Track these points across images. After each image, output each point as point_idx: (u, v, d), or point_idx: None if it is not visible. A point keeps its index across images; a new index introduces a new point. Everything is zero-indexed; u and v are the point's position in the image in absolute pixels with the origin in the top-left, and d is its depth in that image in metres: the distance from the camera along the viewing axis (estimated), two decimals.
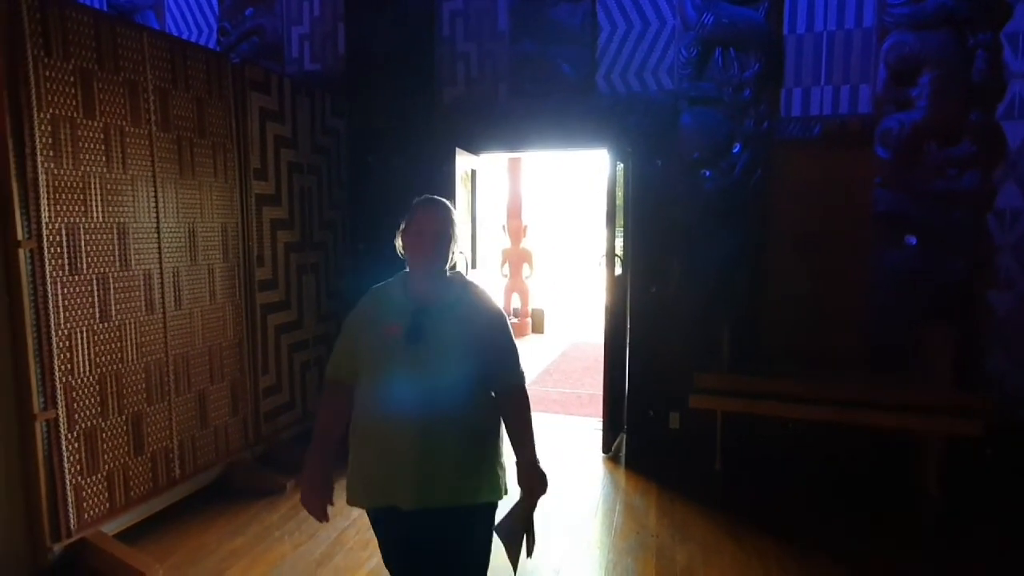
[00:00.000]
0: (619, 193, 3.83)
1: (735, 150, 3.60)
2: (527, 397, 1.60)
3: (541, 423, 4.45)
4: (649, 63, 3.72)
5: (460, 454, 1.46)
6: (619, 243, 3.91)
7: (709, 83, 3.61)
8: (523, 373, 1.60)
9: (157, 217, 2.76)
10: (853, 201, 3.47)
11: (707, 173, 3.65)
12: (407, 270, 1.58)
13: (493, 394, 1.55)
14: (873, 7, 3.36)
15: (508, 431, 1.57)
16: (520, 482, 1.53)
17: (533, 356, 6.91)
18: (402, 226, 1.55)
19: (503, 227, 8.51)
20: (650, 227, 3.80)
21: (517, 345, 1.60)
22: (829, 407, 3.15)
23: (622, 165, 3.83)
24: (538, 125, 3.92)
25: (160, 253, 2.78)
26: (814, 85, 3.49)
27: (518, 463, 1.54)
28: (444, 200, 1.57)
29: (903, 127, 3.34)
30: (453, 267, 1.59)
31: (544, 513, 3.03)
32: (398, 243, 1.57)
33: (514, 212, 8.45)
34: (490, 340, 1.51)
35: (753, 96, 3.54)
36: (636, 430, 3.93)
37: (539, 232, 9.39)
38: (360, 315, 1.57)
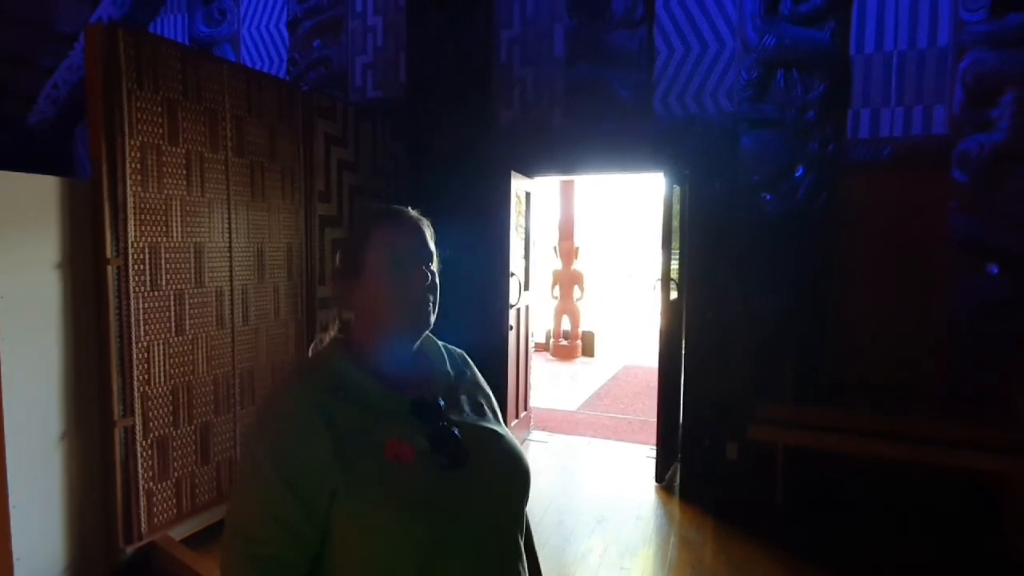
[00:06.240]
0: (675, 215, 3.78)
1: (798, 173, 3.50)
2: None
3: (592, 449, 4.39)
4: (708, 86, 3.68)
5: None
6: (674, 266, 3.85)
7: (770, 105, 3.54)
8: None
9: (229, 237, 2.92)
10: (927, 227, 3.30)
11: (768, 197, 3.56)
12: (340, 338, 0.93)
13: None
14: (948, 25, 3.22)
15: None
16: None
17: (583, 379, 6.83)
18: (342, 263, 0.92)
19: (554, 249, 8.52)
20: (707, 251, 3.72)
21: None
22: (904, 444, 2.97)
23: (678, 188, 3.79)
24: (593, 148, 3.93)
25: (231, 272, 2.93)
26: (884, 106, 3.36)
27: None
28: (412, 211, 0.94)
29: (983, 149, 3.17)
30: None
31: (594, 543, 2.97)
32: (341, 295, 0.92)
33: (566, 233, 8.46)
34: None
35: (818, 118, 3.45)
36: (691, 459, 3.81)
37: (591, 254, 9.34)
38: (307, 438, 0.80)
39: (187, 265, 2.70)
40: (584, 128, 3.94)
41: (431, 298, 0.90)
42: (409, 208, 0.95)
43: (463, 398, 0.96)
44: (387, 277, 0.88)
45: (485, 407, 0.98)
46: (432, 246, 0.93)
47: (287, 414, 0.84)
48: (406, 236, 0.90)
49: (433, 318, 0.91)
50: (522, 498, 0.91)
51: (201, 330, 2.77)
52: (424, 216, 0.96)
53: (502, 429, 0.95)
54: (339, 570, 0.81)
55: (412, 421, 0.86)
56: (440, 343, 1.01)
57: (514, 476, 0.90)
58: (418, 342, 0.94)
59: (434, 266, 0.92)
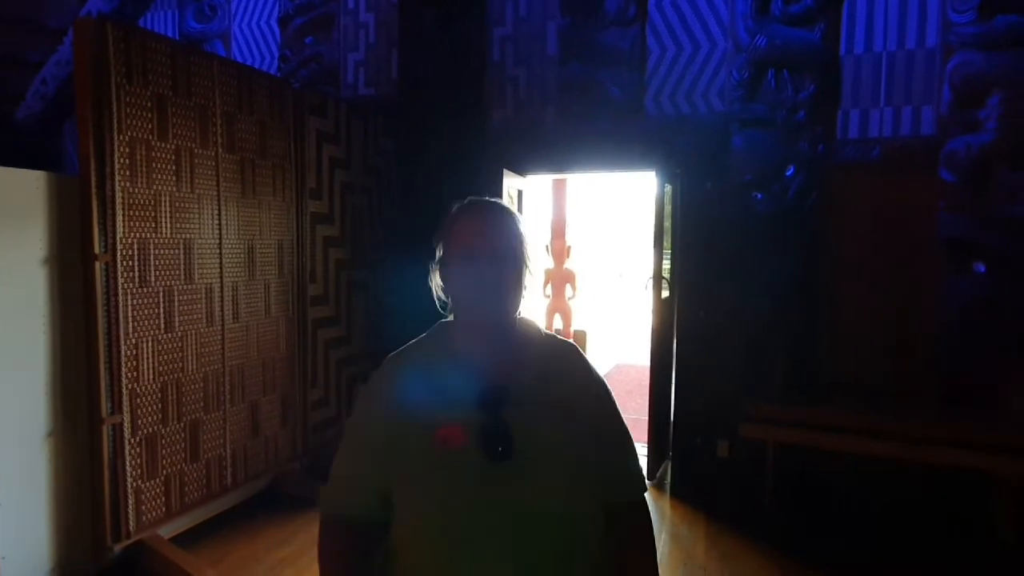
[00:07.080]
0: (667, 214, 3.79)
1: (788, 173, 3.52)
2: (651, 522, 0.99)
3: None
4: (699, 85, 3.69)
5: None
6: (666, 265, 3.86)
7: (761, 105, 3.56)
8: (644, 478, 0.99)
9: (220, 234, 2.90)
10: (916, 226, 3.33)
11: (759, 196, 3.58)
12: (447, 321, 0.98)
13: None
14: (936, 27, 3.25)
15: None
16: None
17: None
18: (439, 253, 0.96)
19: (546, 247, 8.52)
20: (698, 250, 3.74)
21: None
22: (893, 442, 2.99)
23: (670, 187, 3.80)
24: (585, 147, 3.94)
25: (221, 268, 2.91)
26: (873, 107, 3.38)
27: None
28: (502, 203, 0.97)
29: (970, 149, 3.20)
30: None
31: None
32: (435, 282, 0.97)
33: (558, 232, 8.45)
34: (605, 432, 0.94)
35: (808, 118, 3.47)
36: (682, 457, 3.83)
37: (583, 253, 9.36)
38: (382, 408, 0.92)
39: (176, 261, 2.68)
40: (577, 127, 3.94)
41: (505, 289, 0.91)
42: (496, 200, 0.98)
43: (549, 393, 0.91)
44: (453, 271, 0.92)
45: (575, 407, 0.92)
46: (513, 239, 0.94)
47: (373, 387, 0.96)
48: (483, 230, 0.92)
49: (511, 306, 0.93)
50: (578, 501, 0.86)
51: (191, 327, 2.75)
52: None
53: (579, 430, 0.89)
54: (393, 540, 0.90)
55: (477, 408, 0.87)
56: (546, 333, 1.01)
57: (569, 479, 0.86)
58: (500, 330, 0.94)
59: (524, 251, 0.94)
